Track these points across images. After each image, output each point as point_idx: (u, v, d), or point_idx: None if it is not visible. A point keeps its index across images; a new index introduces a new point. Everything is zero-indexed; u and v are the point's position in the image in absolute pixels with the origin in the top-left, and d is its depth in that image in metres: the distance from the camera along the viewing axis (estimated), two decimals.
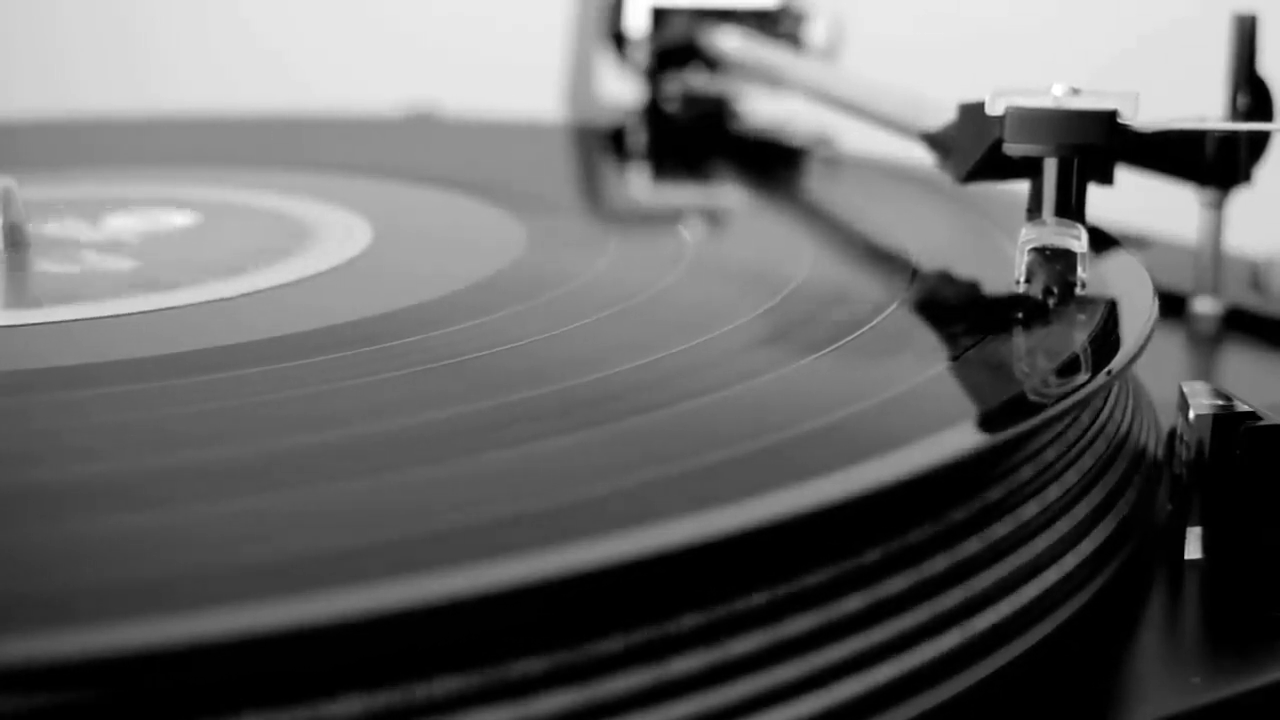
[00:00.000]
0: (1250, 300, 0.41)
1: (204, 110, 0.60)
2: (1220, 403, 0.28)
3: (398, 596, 0.19)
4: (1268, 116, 0.38)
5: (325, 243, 0.38)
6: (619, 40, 0.57)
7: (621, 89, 0.58)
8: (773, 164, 0.51)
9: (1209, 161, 0.38)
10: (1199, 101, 0.42)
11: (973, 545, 0.24)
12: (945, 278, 0.34)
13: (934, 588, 0.23)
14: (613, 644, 0.20)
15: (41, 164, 0.48)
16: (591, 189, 0.51)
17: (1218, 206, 0.39)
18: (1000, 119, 0.31)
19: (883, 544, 0.23)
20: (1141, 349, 0.28)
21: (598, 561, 0.20)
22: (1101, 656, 0.25)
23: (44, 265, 0.36)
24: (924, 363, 0.28)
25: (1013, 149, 0.31)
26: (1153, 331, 0.29)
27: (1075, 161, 0.31)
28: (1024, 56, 0.74)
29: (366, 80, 0.77)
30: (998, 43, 0.76)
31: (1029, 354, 0.29)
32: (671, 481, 0.22)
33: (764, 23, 0.55)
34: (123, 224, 0.38)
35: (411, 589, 0.19)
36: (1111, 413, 0.29)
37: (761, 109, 0.56)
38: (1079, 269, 0.30)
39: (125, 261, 0.36)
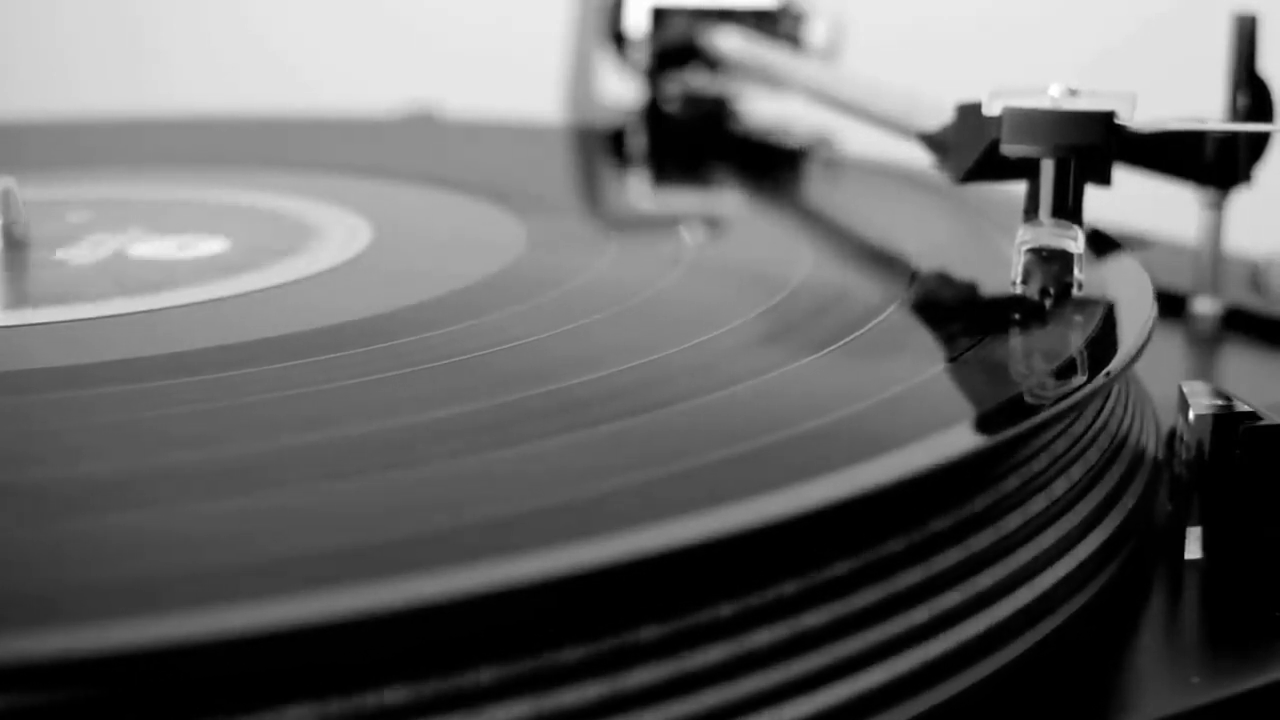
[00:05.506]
0: (1250, 300, 0.41)
1: (205, 110, 0.60)
2: (1220, 403, 0.28)
3: (392, 597, 0.19)
4: (1267, 117, 0.38)
5: (325, 243, 0.38)
6: (619, 40, 0.57)
7: (621, 89, 0.58)
8: (773, 165, 0.51)
9: (1208, 162, 0.38)
10: (1200, 94, 0.42)
11: (972, 546, 0.24)
12: (943, 279, 0.34)
13: (933, 588, 0.23)
14: (612, 643, 0.20)
15: (41, 164, 0.48)
16: (591, 189, 0.51)
17: (1218, 206, 0.39)
18: (997, 120, 0.31)
19: (881, 545, 0.23)
20: (1140, 351, 0.28)
21: (595, 562, 0.20)
22: (1101, 656, 0.25)
23: (45, 265, 0.36)
24: (922, 364, 0.28)
25: (1009, 150, 0.31)
26: (1151, 334, 0.29)
27: (1072, 162, 0.31)
28: (1027, 53, 0.74)
29: (367, 80, 0.77)
30: (1000, 40, 0.76)
31: (1026, 355, 0.29)
32: (668, 482, 0.22)
33: (764, 23, 0.55)
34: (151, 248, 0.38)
35: (407, 589, 0.19)
36: (1111, 413, 0.29)
37: (761, 109, 0.55)
38: (1076, 270, 0.30)
39: (128, 262, 0.36)
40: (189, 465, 0.23)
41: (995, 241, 0.36)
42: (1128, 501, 0.28)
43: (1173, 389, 0.29)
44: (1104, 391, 0.29)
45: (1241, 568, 0.27)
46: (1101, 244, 0.34)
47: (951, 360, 0.28)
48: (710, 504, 0.21)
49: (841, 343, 0.29)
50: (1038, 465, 0.26)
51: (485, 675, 0.19)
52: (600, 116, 0.59)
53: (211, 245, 0.38)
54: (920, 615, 0.23)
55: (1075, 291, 0.30)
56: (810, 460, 0.23)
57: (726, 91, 0.56)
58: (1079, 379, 0.26)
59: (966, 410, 0.26)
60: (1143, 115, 0.31)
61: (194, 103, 0.71)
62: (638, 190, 0.52)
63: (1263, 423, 0.27)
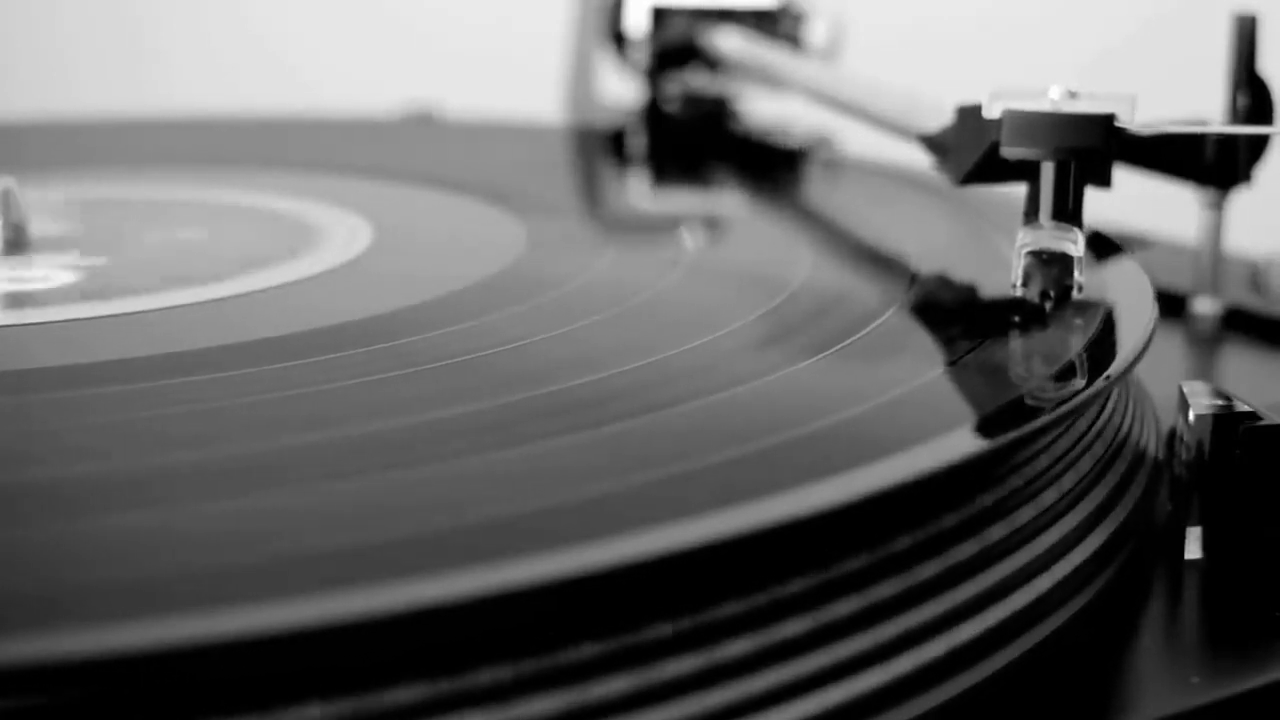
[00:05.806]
0: (1250, 300, 0.41)
1: (205, 110, 0.60)
2: (1220, 403, 0.28)
3: (392, 598, 0.19)
4: (1267, 117, 0.38)
5: (326, 243, 0.38)
6: (619, 40, 0.57)
7: (621, 89, 0.58)
8: (773, 165, 0.51)
9: (1208, 162, 0.38)
10: (1200, 94, 0.42)
11: (973, 547, 0.24)
12: (943, 281, 0.34)
13: (934, 589, 0.23)
14: (606, 646, 0.20)
15: (41, 164, 0.48)
16: (591, 190, 0.51)
17: (1218, 207, 0.39)
18: (997, 122, 0.31)
19: (880, 546, 0.23)
20: (1140, 354, 0.28)
21: (597, 563, 0.20)
22: (1101, 656, 0.25)
23: (45, 264, 0.36)
24: (922, 367, 0.28)
25: (1009, 153, 0.31)
26: (1152, 337, 0.29)
27: (1072, 165, 0.31)
28: (1027, 53, 0.74)
29: (367, 80, 0.77)
30: (1000, 40, 0.76)
31: (1026, 359, 0.29)
32: (668, 483, 0.22)
33: (764, 23, 0.55)
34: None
35: (408, 591, 0.19)
36: (1111, 414, 0.29)
37: (761, 109, 0.56)
38: (1076, 273, 0.30)
39: (128, 262, 0.36)
40: (189, 465, 0.23)
41: (995, 243, 0.36)
42: (1127, 502, 0.28)
43: (1173, 389, 0.29)
44: (1104, 394, 0.29)
45: (1241, 568, 0.27)
46: (1102, 246, 0.34)
47: (951, 363, 0.28)
48: (709, 506, 0.21)
49: (841, 345, 0.29)
50: (1036, 468, 0.26)
51: (488, 676, 0.19)
52: (600, 116, 0.59)
53: (214, 238, 0.37)
54: (920, 616, 0.23)
55: (1075, 294, 0.30)
56: (810, 463, 0.23)
57: (726, 91, 0.56)
58: (1079, 382, 0.26)
59: (966, 413, 0.26)
60: (1143, 116, 0.31)
61: (194, 103, 0.71)
62: (638, 191, 0.52)
63: (1263, 423, 0.27)
